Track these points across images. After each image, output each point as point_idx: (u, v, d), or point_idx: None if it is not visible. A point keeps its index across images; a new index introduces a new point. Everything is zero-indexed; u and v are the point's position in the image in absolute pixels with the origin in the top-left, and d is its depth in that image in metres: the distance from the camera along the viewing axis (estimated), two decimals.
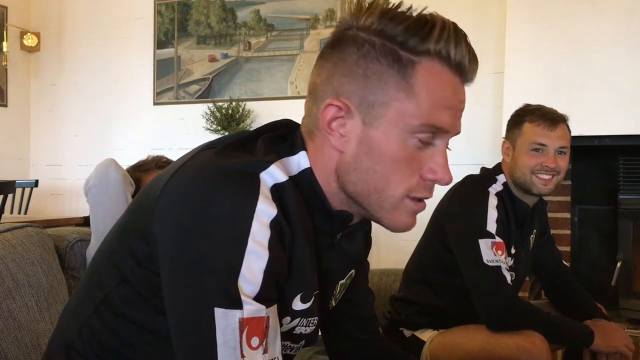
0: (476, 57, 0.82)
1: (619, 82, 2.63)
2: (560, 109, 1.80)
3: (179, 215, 0.75)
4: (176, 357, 0.76)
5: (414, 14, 0.80)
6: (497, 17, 3.16)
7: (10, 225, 1.46)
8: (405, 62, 0.78)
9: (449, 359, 1.67)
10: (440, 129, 0.81)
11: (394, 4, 0.80)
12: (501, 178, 1.79)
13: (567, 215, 2.91)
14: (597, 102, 2.65)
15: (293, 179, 0.82)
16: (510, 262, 1.73)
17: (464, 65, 0.81)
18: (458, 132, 0.84)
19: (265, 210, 0.74)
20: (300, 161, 0.84)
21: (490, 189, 1.73)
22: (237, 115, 3.71)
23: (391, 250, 2.94)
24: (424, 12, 0.80)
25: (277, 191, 0.77)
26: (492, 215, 1.67)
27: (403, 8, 0.80)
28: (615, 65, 2.64)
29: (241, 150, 0.83)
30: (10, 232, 1.43)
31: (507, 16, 2.87)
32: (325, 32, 3.71)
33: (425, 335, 1.75)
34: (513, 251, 1.76)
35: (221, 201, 0.73)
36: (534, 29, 2.80)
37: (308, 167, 0.84)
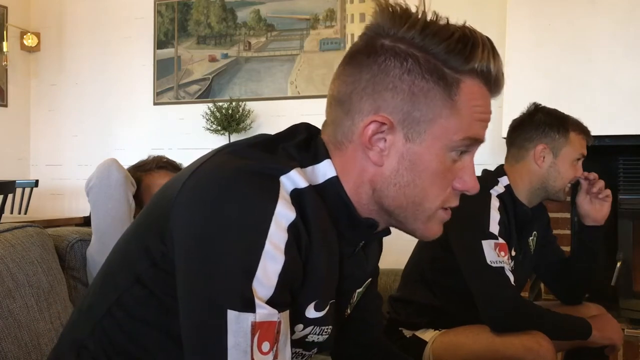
0: (503, 70, 0.84)
1: (619, 82, 2.63)
2: (561, 109, 1.80)
3: (196, 215, 0.75)
4: (185, 358, 0.75)
5: (446, 25, 0.80)
6: (497, 17, 3.15)
7: (10, 225, 1.46)
8: (450, 81, 0.79)
9: (452, 359, 1.66)
10: (477, 141, 0.83)
11: (433, 17, 0.80)
12: (503, 180, 1.77)
13: (567, 215, 2.90)
14: (597, 102, 2.65)
15: (316, 187, 0.81)
16: (511, 264, 1.73)
17: (498, 81, 0.83)
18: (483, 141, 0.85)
19: (284, 214, 0.73)
20: (326, 170, 0.83)
21: (491, 191, 1.72)
22: (237, 116, 3.70)
23: (391, 250, 2.93)
24: (450, 22, 0.80)
25: (297, 196, 0.77)
26: (495, 216, 1.66)
27: (442, 21, 0.80)
28: (615, 65, 2.64)
29: (261, 153, 0.81)
30: (10, 232, 1.43)
31: (507, 16, 2.87)
32: (325, 32, 3.71)
33: (427, 335, 1.74)
34: (513, 254, 1.75)
35: (240, 202, 0.73)
36: (534, 29, 2.80)
37: (335, 176, 0.83)
